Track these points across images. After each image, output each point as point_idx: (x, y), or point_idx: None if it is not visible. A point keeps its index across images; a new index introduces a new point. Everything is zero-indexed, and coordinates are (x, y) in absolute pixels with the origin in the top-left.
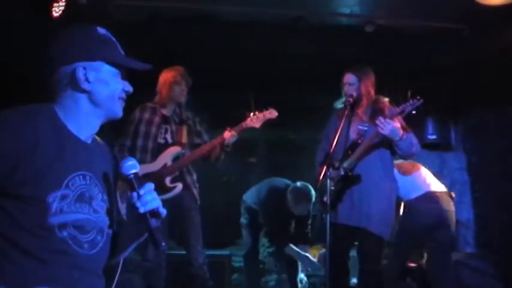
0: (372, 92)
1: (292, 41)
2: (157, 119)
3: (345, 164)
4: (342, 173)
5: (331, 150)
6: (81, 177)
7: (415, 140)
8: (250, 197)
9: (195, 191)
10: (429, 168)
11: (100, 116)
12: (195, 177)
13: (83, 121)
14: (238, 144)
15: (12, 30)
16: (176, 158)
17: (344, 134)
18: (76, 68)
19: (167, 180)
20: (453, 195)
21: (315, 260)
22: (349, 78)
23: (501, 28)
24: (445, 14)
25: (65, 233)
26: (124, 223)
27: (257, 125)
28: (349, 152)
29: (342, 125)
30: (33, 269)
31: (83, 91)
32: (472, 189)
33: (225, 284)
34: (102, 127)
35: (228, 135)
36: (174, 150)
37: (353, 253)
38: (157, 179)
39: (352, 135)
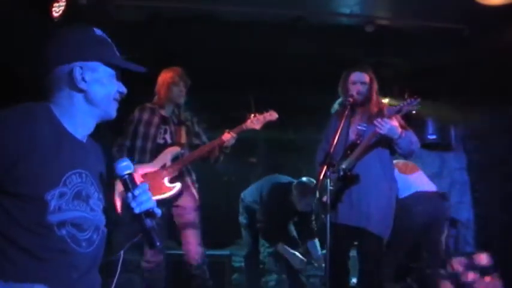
0: None
1: (292, 41)
2: (156, 120)
3: (344, 164)
4: (341, 173)
5: (332, 150)
6: (77, 175)
7: (414, 138)
8: (249, 195)
9: (195, 191)
10: (427, 169)
11: (95, 116)
12: (194, 177)
13: (79, 120)
14: (239, 144)
15: (12, 30)
16: (175, 158)
17: (344, 134)
18: (73, 68)
19: (166, 180)
20: (446, 195)
21: (302, 257)
22: (361, 76)
23: (501, 28)
24: (445, 14)
25: (63, 231)
26: (119, 222)
27: (257, 126)
28: (348, 152)
29: (342, 125)
30: (32, 268)
31: (80, 90)
32: (472, 189)
33: (225, 284)
34: (100, 127)
35: (228, 137)
36: (174, 150)
37: (353, 253)
38: (156, 178)
39: (352, 135)
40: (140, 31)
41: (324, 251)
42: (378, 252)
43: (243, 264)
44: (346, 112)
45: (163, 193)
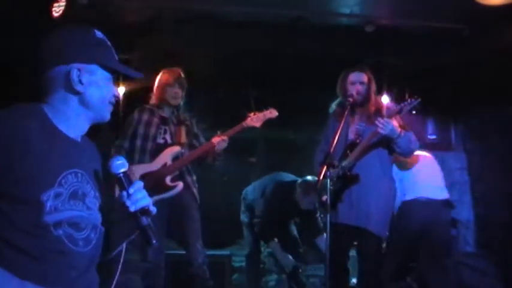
0: None
1: (293, 41)
2: (156, 120)
3: (343, 164)
4: (340, 172)
5: (331, 150)
6: (73, 174)
7: (413, 137)
8: (251, 193)
9: (195, 191)
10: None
11: (89, 119)
12: (194, 177)
13: (72, 122)
14: (238, 143)
15: (12, 30)
16: (176, 158)
17: (343, 134)
18: (71, 69)
19: (167, 179)
20: (451, 203)
21: (293, 260)
22: (360, 77)
23: (501, 28)
24: (445, 14)
25: (60, 231)
26: (116, 221)
27: (257, 124)
28: (348, 151)
29: (342, 124)
30: (30, 269)
31: (75, 92)
32: (472, 189)
33: (225, 284)
34: (101, 128)
35: (218, 140)
36: (174, 149)
37: (353, 253)
38: (157, 178)
39: (351, 135)
40: (140, 31)
41: None
42: (377, 252)
43: (243, 264)
44: (346, 112)
45: (165, 192)
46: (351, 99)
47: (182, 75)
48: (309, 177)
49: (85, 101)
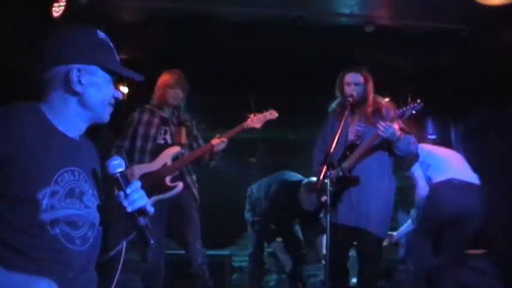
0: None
1: (292, 41)
2: (156, 121)
3: (343, 165)
4: (340, 173)
5: (331, 150)
6: (70, 173)
7: (412, 139)
8: (257, 191)
9: (195, 191)
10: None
11: (87, 119)
12: (194, 177)
13: (71, 122)
14: (238, 144)
15: (12, 30)
16: (175, 158)
17: (343, 134)
18: (70, 70)
19: (167, 180)
20: (479, 187)
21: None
22: (355, 77)
23: (501, 28)
24: (445, 14)
25: (57, 230)
26: (114, 221)
27: (258, 125)
28: (347, 153)
29: (342, 125)
30: (26, 269)
31: (74, 93)
32: None
33: (225, 284)
34: (101, 128)
35: (217, 141)
36: (174, 150)
37: (353, 253)
38: (157, 178)
39: (350, 135)
40: (140, 31)
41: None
42: (377, 252)
43: (243, 264)
44: (346, 112)
45: (164, 193)
46: (350, 100)
47: (183, 76)
48: (314, 179)
49: (84, 101)
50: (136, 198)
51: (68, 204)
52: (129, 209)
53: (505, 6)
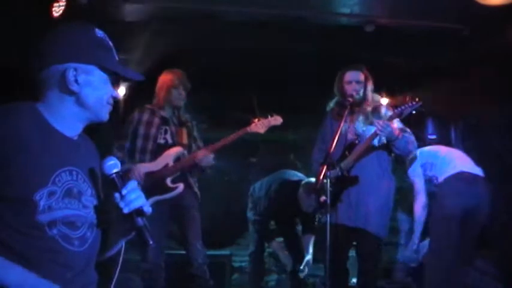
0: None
1: (292, 41)
2: (156, 120)
3: (342, 165)
4: (339, 173)
5: (331, 150)
6: (67, 172)
7: (411, 138)
8: (259, 190)
9: (196, 191)
10: None
11: (85, 119)
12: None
13: (68, 121)
14: (239, 144)
15: (12, 30)
16: (177, 159)
17: (343, 134)
18: (67, 69)
19: (168, 180)
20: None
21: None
22: (356, 75)
23: (501, 28)
24: (445, 14)
25: (55, 231)
26: (113, 221)
27: (261, 130)
28: (346, 152)
29: (342, 124)
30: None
31: (71, 92)
32: None
33: (225, 284)
34: (101, 128)
35: (200, 155)
36: (176, 150)
37: (353, 253)
38: (159, 178)
39: (349, 135)
40: (140, 31)
41: (309, 257)
42: (376, 252)
43: (243, 264)
44: (346, 112)
45: (166, 193)
46: (350, 99)
47: (185, 76)
48: (313, 179)
49: (81, 101)
50: (132, 199)
51: (66, 204)
52: (126, 210)
53: (505, 6)
